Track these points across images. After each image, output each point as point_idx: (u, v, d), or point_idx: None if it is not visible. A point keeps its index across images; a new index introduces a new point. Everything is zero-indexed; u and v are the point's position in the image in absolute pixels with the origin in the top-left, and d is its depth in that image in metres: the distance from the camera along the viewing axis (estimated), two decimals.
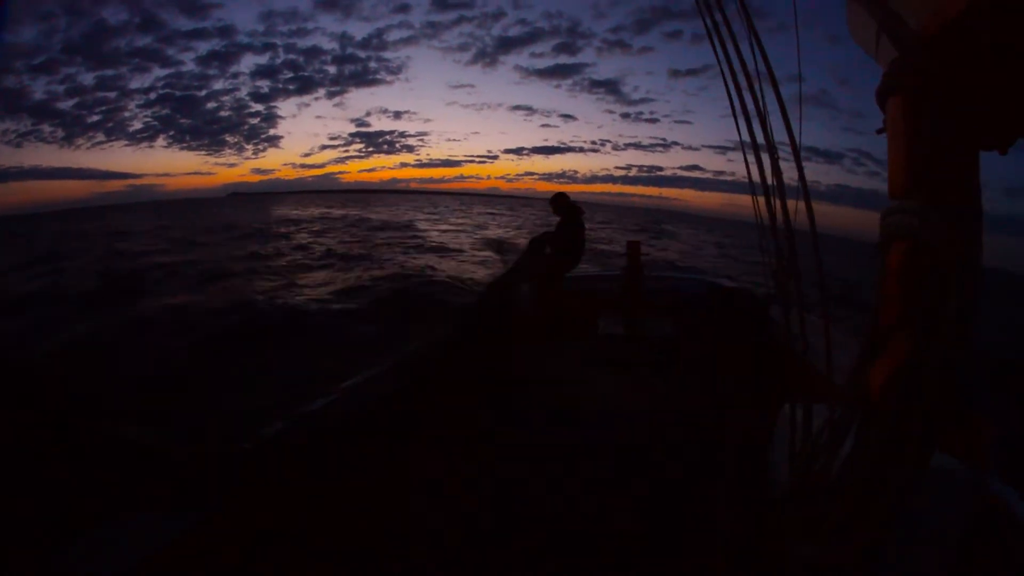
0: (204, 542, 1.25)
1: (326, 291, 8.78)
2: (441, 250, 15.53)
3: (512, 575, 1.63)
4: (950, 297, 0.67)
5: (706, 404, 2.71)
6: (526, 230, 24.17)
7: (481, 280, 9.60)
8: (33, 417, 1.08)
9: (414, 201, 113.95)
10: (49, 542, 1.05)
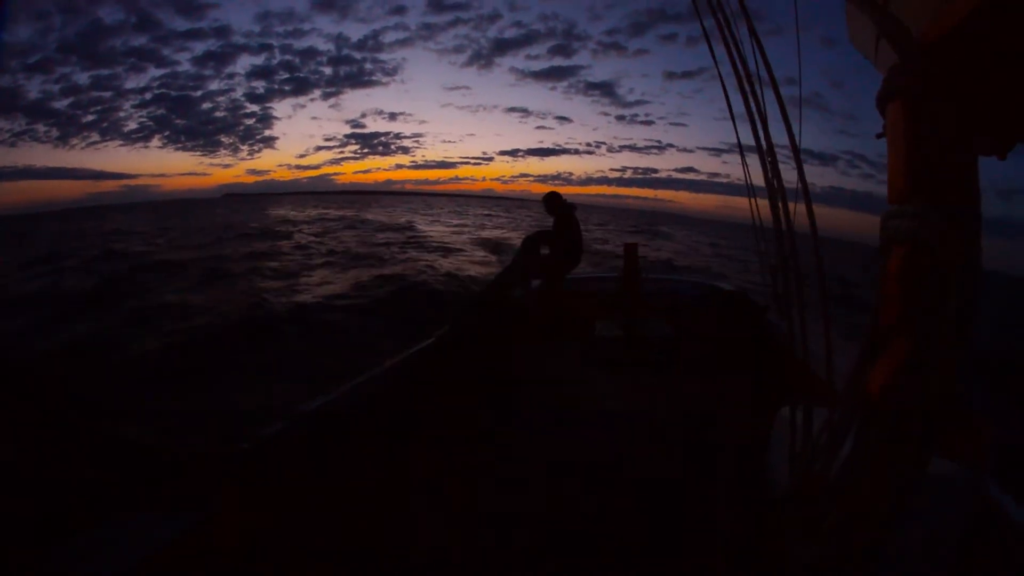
0: (204, 542, 1.25)
1: (328, 291, 8.77)
2: (442, 250, 15.54)
3: (512, 575, 1.63)
4: (950, 300, 0.67)
5: (705, 405, 2.71)
6: (522, 230, 24.18)
7: (480, 279, 9.61)
8: (33, 417, 1.08)
9: (409, 202, 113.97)
10: (49, 542, 1.05)
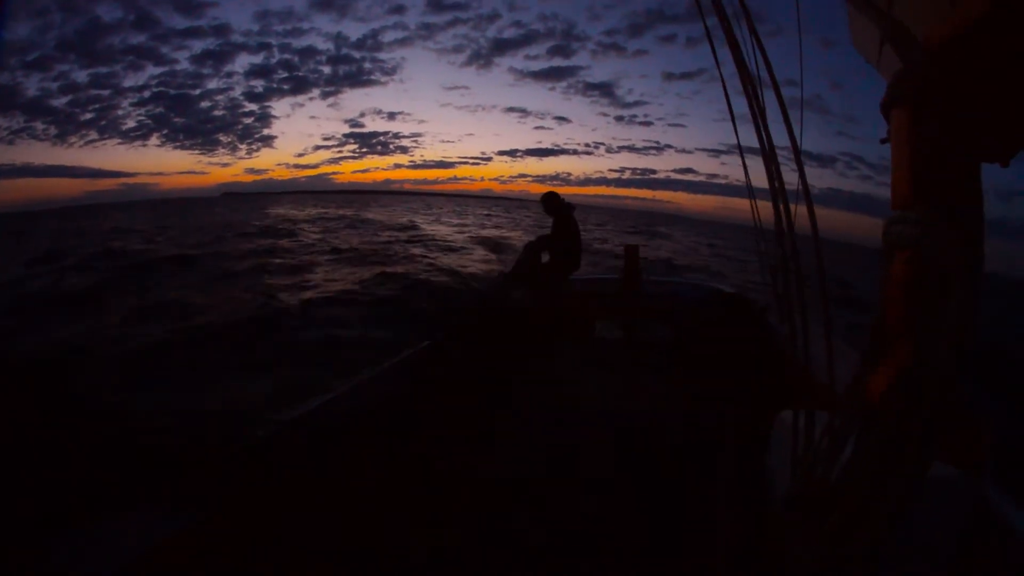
0: (204, 542, 1.25)
1: (329, 289, 8.76)
2: (444, 249, 15.53)
3: (512, 575, 1.63)
4: (951, 306, 0.67)
5: (706, 405, 2.72)
6: (522, 229, 24.16)
7: (483, 278, 9.61)
8: (33, 417, 1.08)
9: (408, 202, 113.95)
10: (49, 542, 1.05)
